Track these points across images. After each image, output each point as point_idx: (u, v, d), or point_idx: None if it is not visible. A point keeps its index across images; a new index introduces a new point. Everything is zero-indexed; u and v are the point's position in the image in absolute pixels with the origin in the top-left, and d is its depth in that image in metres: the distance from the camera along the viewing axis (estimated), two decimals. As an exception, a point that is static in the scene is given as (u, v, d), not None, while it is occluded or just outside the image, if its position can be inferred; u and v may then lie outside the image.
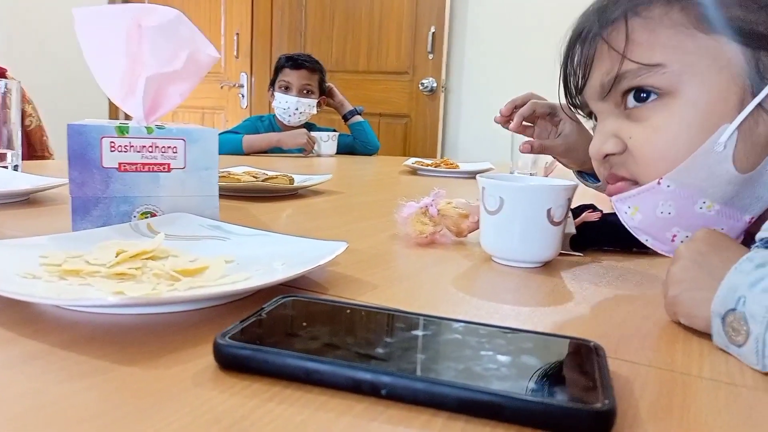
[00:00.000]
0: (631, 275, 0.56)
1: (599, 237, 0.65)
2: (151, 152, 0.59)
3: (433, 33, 2.87)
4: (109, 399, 0.27)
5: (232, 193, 0.95)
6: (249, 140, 2.02)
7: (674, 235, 0.50)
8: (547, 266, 0.58)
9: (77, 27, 0.58)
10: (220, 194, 0.64)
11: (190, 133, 0.61)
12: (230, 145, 1.97)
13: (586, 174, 0.83)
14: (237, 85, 3.44)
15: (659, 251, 0.52)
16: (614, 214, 0.56)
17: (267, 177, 1.01)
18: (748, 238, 0.50)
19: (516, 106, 0.85)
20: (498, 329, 0.34)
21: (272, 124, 2.27)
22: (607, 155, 0.52)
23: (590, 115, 0.58)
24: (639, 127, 0.49)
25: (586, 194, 0.81)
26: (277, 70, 2.23)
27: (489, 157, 2.12)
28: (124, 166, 0.58)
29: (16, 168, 1.04)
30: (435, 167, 1.59)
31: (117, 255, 0.45)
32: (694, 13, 0.46)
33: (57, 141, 1.91)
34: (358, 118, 2.32)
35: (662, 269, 0.46)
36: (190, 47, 0.60)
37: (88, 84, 0.61)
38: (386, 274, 0.53)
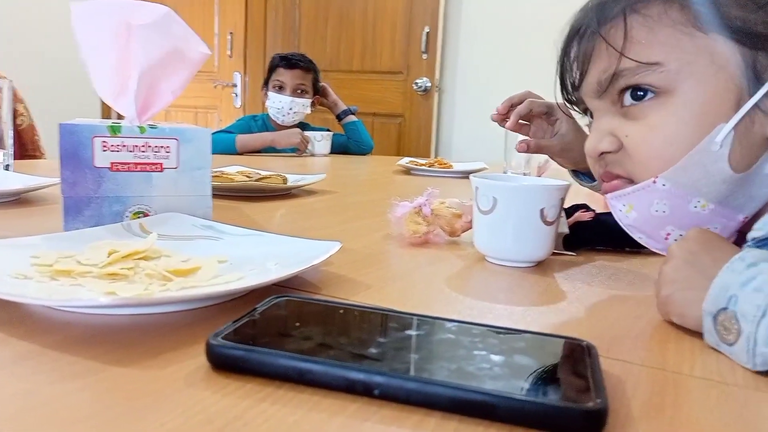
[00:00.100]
0: (624, 275, 0.57)
1: (592, 237, 0.65)
2: (144, 152, 0.59)
3: (427, 33, 2.87)
4: (101, 400, 0.27)
5: (225, 192, 0.95)
6: (242, 140, 2.02)
7: (668, 234, 0.50)
8: (541, 266, 0.58)
9: (74, 22, 0.58)
10: (213, 194, 0.64)
11: (183, 133, 0.61)
12: (223, 145, 1.96)
13: (581, 173, 0.83)
14: (230, 84, 3.43)
15: (653, 249, 0.53)
16: (607, 213, 0.56)
17: (260, 177, 1.01)
18: (739, 238, 0.50)
19: (513, 104, 0.85)
20: (491, 329, 0.35)
21: (266, 124, 2.27)
22: (602, 153, 0.52)
23: (585, 111, 0.57)
24: (636, 125, 0.49)
25: (579, 194, 0.82)
26: (271, 69, 2.23)
27: (483, 157, 2.13)
28: (117, 165, 0.58)
29: (7, 167, 1.03)
30: (429, 167, 1.59)
31: (109, 255, 0.45)
32: (693, 12, 0.46)
33: (49, 140, 1.90)
34: (351, 118, 2.32)
35: (654, 269, 0.47)
36: (181, 44, 0.59)
37: (81, 83, 0.60)
38: (380, 274, 0.53)
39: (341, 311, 0.37)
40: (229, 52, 3.40)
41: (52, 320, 0.36)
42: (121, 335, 0.35)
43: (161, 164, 0.60)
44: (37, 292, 0.39)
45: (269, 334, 0.33)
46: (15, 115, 1.81)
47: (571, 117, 0.80)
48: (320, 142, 2.08)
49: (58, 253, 0.45)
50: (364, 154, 2.31)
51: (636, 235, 0.53)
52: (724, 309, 0.36)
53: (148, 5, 0.59)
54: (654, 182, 0.48)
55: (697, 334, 0.39)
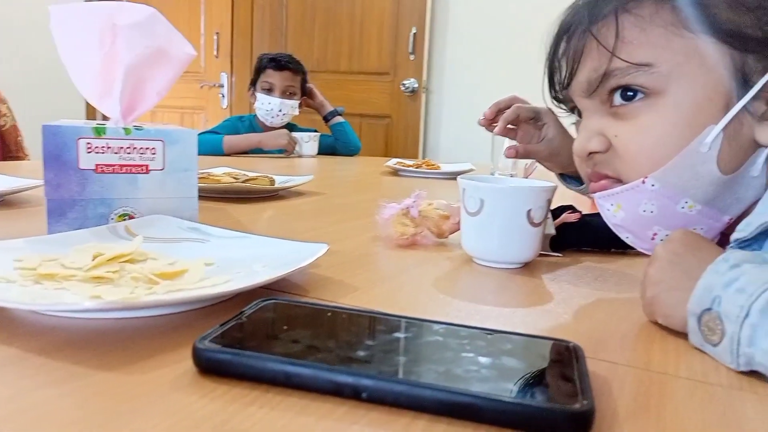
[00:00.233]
0: (610, 276, 0.57)
1: (578, 238, 0.66)
2: (129, 153, 0.58)
3: (415, 34, 2.88)
4: (86, 405, 0.26)
5: (212, 194, 0.94)
6: (230, 141, 2.00)
7: (655, 234, 0.50)
8: (527, 267, 0.58)
9: (53, 25, 0.57)
10: (199, 195, 0.63)
11: (168, 134, 0.60)
12: (210, 146, 1.95)
13: (568, 177, 0.84)
14: (217, 85, 3.42)
15: (639, 249, 0.53)
16: (593, 214, 0.57)
17: (247, 178, 1.01)
18: (722, 239, 0.51)
19: (500, 110, 0.85)
20: (478, 331, 0.35)
21: (253, 125, 2.26)
22: (591, 153, 0.52)
23: (573, 110, 0.57)
24: (625, 125, 0.49)
25: (565, 195, 0.82)
26: (259, 70, 2.21)
27: (470, 158, 2.13)
28: (102, 167, 0.58)
29: (-11, 169, 1.02)
30: (416, 168, 1.59)
31: (94, 258, 0.45)
32: (684, 13, 0.46)
33: (32, 141, 1.88)
34: (338, 119, 2.32)
35: (640, 270, 0.47)
36: (166, 45, 0.59)
37: (65, 83, 0.60)
38: (367, 276, 0.53)
39: (329, 314, 0.37)
40: (215, 52, 3.38)
41: (35, 324, 0.36)
42: (107, 339, 0.34)
43: (147, 166, 0.60)
44: (21, 297, 0.38)
45: (256, 338, 0.33)
46: (-2, 115, 1.78)
47: (559, 122, 0.80)
48: (308, 143, 2.08)
49: (41, 257, 0.45)
50: (351, 155, 2.31)
51: (623, 235, 0.53)
52: (708, 310, 0.36)
53: (133, 6, 0.58)
54: (643, 183, 0.48)
55: (682, 335, 0.39)
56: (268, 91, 2.18)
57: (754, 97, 0.45)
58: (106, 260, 0.45)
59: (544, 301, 0.48)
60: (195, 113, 3.52)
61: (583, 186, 0.80)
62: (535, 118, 0.82)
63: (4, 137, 1.85)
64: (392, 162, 1.68)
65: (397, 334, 0.34)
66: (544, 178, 0.67)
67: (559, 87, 0.55)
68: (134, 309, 0.38)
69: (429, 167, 1.62)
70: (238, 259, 0.49)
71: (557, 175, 0.86)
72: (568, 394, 0.27)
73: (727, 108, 0.46)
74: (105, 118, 0.62)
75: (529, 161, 1.31)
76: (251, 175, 1.04)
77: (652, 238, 0.51)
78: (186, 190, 0.62)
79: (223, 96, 3.41)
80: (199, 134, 1.82)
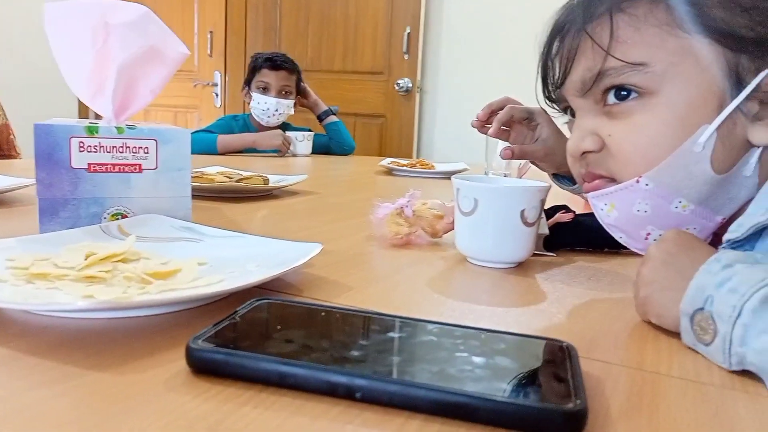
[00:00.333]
0: (603, 275, 0.57)
1: (572, 238, 0.66)
2: (122, 152, 0.58)
3: (409, 33, 2.88)
4: (79, 406, 0.26)
5: (206, 193, 0.94)
6: (224, 140, 2.00)
7: (648, 233, 0.50)
8: (521, 267, 0.59)
9: (47, 22, 0.57)
10: (193, 195, 0.63)
11: (162, 134, 0.60)
12: (204, 144, 1.95)
13: (562, 177, 0.84)
14: (211, 84, 3.41)
15: (632, 249, 0.53)
16: (586, 214, 0.57)
17: (241, 177, 1.00)
18: (714, 239, 0.51)
19: (493, 111, 0.85)
20: (472, 330, 0.35)
21: (247, 124, 2.25)
22: (584, 152, 0.52)
23: (566, 110, 0.57)
24: (619, 125, 0.50)
25: (559, 195, 0.82)
26: (254, 69, 2.21)
27: (464, 158, 2.14)
28: (94, 166, 0.57)
29: (-19, 168, 1.01)
30: (410, 167, 1.59)
31: (86, 258, 0.44)
32: (678, 13, 0.46)
33: (25, 140, 1.87)
34: (333, 118, 2.31)
35: (633, 269, 0.47)
36: (159, 43, 0.59)
37: (57, 82, 0.59)
38: (361, 276, 0.53)
39: (323, 314, 0.37)
40: (209, 51, 3.37)
41: (28, 324, 0.36)
42: (100, 339, 0.34)
43: (140, 165, 0.59)
44: (13, 296, 0.38)
45: (250, 338, 0.33)
46: (-11, 113, 1.77)
47: (552, 123, 0.80)
48: (302, 142, 2.08)
49: (34, 256, 0.45)
50: (345, 155, 2.31)
51: (616, 235, 0.53)
52: (701, 309, 0.36)
53: (126, 5, 0.58)
54: (637, 182, 0.48)
55: (675, 335, 0.40)
56: (264, 90, 2.17)
57: (747, 97, 0.45)
58: (98, 260, 0.44)
59: (537, 300, 0.48)
60: (188, 112, 3.51)
61: (577, 186, 0.80)
62: (528, 118, 0.83)
63: (-5, 136, 1.84)
64: (386, 161, 1.68)
65: (391, 334, 0.34)
66: (538, 178, 0.67)
67: (552, 86, 0.55)
68: (127, 309, 0.37)
69: (423, 167, 1.62)
70: (231, 259, 0.49)
71: (550, 175, 0.86)
72: (561, 393, 0.27)
73: (721, 108, 0.46)
74: (98, 117, 0.62)
75: (522, 161, 1.31)
76: (245, 174, 1.04)
77: (646, 238, 0.51)
78: (179, 189, 0.62)
79: (217, 95, 3.40)
80: (193, 133, 1.82)
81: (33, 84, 2.97)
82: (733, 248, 0.45)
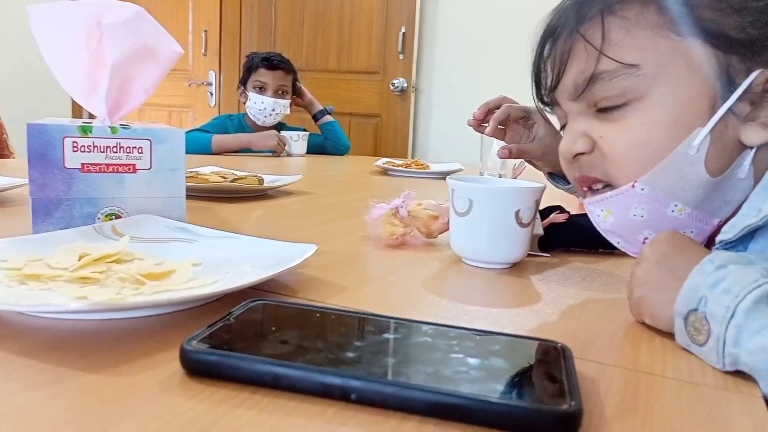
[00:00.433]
0: (598, 276, 0.57)
1: (566, 238, 0.66)
2: (116, 152, 0.58)
3: (404, 33, 2.88)
4: (73, 408, 0.26)
5: (200, 193, 0.93)
6: (219, 140, 1.99)
7: (645, 238, 0.51)
8: (516, 267, 0.59)
9: (33, 25, 0.57)
10: (187, 195, 0.63)
11: (156, 134, 0.60)
12: (199, 144, 1.94)
13: (557, 176, 0.84)
14: (205, 83, 3.40)
15: (629, 253, 0.53)
16: (581, 215, 0.57)
17: (236, 177, 1.00)
18: (707, 240, 0.51)
19: (489, 110, 0.85)
20: (467, 331, 0.35)
21: (242, 124, 2.25)
22: (576, 155, 0.53)
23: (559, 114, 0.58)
24: (610, 126, 0.50)
25: (554, 196, 0.82)
26: (250, 69, 2.20)
27: (459, 158, 2.14)
28: (88, 166, 0.57)
29: (-26, 167, 1.01)
30: (406, 168, 1.59)
31: (80, 258, 0.44)
32: (669, 15, 0.46)
33: (18, 139, 1.86)
34: (328, 118, 2.31)
35: (627, 270, 0.47)
36: (152, 42, 0.58)
37: (51, 81, 0.59)
38: (356, 276, 0.52)
39: (318, 315, 0.37)
40: (203, 50, 3.36)
41: (21, 325, 0.36)
42: (93, 341, 0.34)
43: (134, 165, 0.59)
44: (6, 297, 0.38)
45: (245, 339, 0.33)
46: (-18, 113, 1.76)
47: (548, 122, 0.81)
48: (297, 142, 2.07)
49: (27, 257, 0.44)
50: (340, 155, 2.30)
51: (613, 240, 0.53)
52: (695, 310, 0.37)
53: (119, 4, 0.58)
54: (633, 187, 0.49)
55: (669, 335, 0.40)
56: (261, 90, 2.17)
57: (739, 98, 0.45)
58: (92, 260, 0.44)
59: (532, 301, 0.48)
60: (183, 111, 3.50)
61: (572, 185, 0.81)
62: (525, 117, 0.83)
63: (-12, 135, 1.83)
64: (381, 161, 1.68)
65: (386, 335, 0.34)
66: (533, 178, 0.67)
67: (545, 90, 0.55)
68: (121, 310, 0.37)
69: (418, 167, 1.62)
70: (226, 260, 0.49)
71: (546, 174, 0.86)
72: (556, 394, 0.28)
73: (713, 109, 0.46)
74: (91, 116, 0.61)
75: (518, 161, 1.31)
76: (240, 174, 1.03)
77: (643, 243, 0.51)
78: (174, 189, 0.62)
79: (212, 94, 3.39)
80: (188, 132, 1.81)
81: (26, 83, 2.95)
82: (725, 249, 0.46)
